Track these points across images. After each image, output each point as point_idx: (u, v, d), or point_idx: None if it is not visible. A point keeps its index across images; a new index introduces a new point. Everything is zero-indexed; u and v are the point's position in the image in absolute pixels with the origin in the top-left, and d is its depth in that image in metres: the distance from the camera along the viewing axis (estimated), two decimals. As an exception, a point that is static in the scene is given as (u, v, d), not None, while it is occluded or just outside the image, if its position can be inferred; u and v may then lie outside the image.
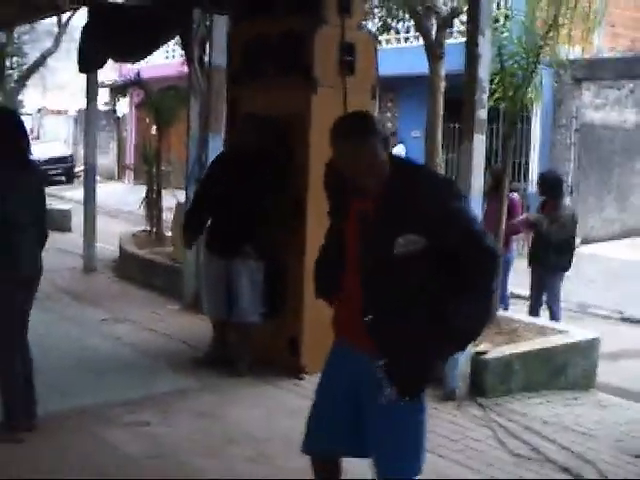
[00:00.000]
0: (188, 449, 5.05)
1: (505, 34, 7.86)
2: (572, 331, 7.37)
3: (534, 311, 8.66)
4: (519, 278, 9.33)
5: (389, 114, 20.30)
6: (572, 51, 13.54)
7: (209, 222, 6.78)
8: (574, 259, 8.73)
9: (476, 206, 6.21)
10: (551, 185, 8.78)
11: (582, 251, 14.18)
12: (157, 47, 9.47)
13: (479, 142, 6.19)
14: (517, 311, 8.75)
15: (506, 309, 8.52)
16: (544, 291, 8.68)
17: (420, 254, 3.14)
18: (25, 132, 5.11)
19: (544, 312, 8.69)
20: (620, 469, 5.12)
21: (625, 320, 10.89)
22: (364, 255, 3.26)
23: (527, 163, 16.58)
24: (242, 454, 4.94)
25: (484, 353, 6.36)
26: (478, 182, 6.23)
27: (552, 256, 8.47)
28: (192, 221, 6.87)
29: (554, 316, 8.49)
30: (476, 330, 3.28)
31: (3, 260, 4.85)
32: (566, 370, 6.84)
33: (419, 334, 3.18)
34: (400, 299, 3.20)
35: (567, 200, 8.94)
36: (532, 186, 15.80)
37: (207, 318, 7.13)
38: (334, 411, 3.41)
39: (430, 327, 3.16)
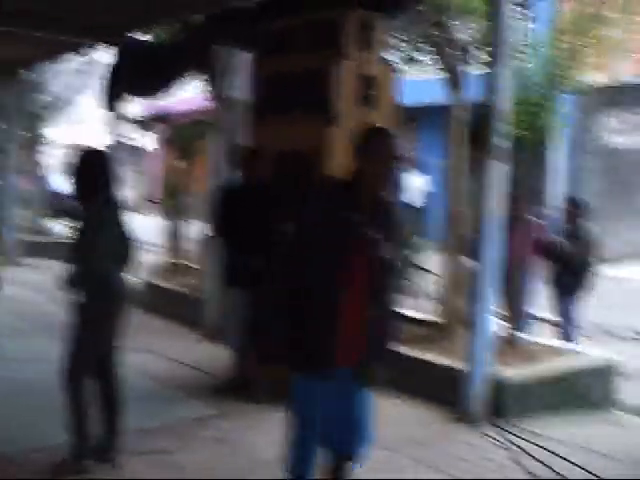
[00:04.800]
0: (209, 476, 5.09)
1: (528, 64, 7.90)
2: (590, 352, 7.41)
3: (565, 334, 8.62)
4: (540, 300, 9.29)
5: (412, 144, 20.36)
6: (595, 78, 13.60)
7: (226, 258, 6.90)
8: (595, 281, 8.75)
9: (496, 232, 6.30)
10: (576, 209, 8.84)
11: (604, 273, 14.11)
12: (179, 83, 9.58)
13: (499, 170, 6.27)
14: (536, 333, 8.71)
15: (524, 331, 8.48)
16: (565, 312, 8.69)
17: None
18: (111, 168, 5.20)
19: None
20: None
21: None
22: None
23: (551, 190, 16.56)
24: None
25: (503, 375, 6.38)
26: (498, 209, 6.31)
27: (571, 278, 8.50)
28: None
29: (570, 338, 8.46)
30: None
31: (103, 294, 4.95)
32: (584, 391, 6.85)
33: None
34: None
35: (590, 223, 8.96)
36: (556, 212, 15.78)
37: (228, 348, 7.18)
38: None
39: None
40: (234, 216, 6.77)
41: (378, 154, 3.64)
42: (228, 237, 6.92)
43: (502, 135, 6.29)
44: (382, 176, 3.67)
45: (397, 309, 3.94)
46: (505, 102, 6.34)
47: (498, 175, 6.28)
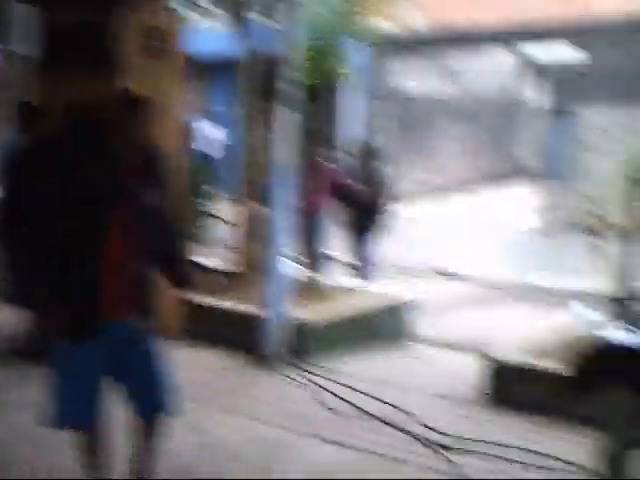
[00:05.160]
0: (18, 441, 5.03)
1: (315, 12, 8.05)
2: (386, 290, 7.74)
3: (362, 274, 8.97)
4: (336, 242, 9.61)
5: (202, 93, 20.23)
6: (384, 26, 14.03)
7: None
8: (390, 221, 9.12)
9: (288, 178, 6.46)
10: (368, 153, 9.15)
11: (397, 212, 14.74)
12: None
13: (289, 117, 6.40)
14: (333, 274, 9.01)
15: (321, 273, 8.76)
16: (360, 253, 9.04)
17: None
18: None
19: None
20: (436, 414, 5.47)
21: (440, 275, 11.37)
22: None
23: (345, 135, 16.97)
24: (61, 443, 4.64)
25: (301, 317, 6.57)
26: (289, 153, 6.45)
27: (366, 219, 8.83)
28: None
29: (366, 277, 8.85)
30: None
31: None
32: (382, 328, 7.17)
33: None
34: None
35: (383, 165, 9.31)
36: (350, 156, 16.20)
37: (21, 309, 7.02)
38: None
39: None
40: (18, 175, 6.57)
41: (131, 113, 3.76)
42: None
43: (290, 82, 6.40)
44: (137, 127, 3.73)
45: (180, 258, 3.94)
46: (293, 49, 6.45)
47: (288, 122, 6.40)
